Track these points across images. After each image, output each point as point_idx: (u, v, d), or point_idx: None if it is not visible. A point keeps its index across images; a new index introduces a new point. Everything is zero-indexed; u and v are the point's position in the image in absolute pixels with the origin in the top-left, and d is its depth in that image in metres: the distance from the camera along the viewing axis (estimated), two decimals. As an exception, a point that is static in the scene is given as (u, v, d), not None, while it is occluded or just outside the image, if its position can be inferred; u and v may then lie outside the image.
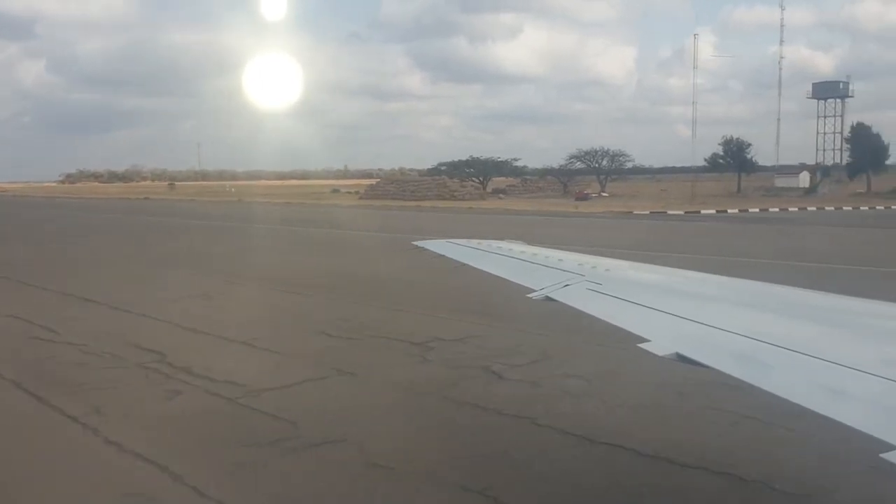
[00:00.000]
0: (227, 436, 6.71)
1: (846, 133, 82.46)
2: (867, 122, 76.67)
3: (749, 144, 79.88)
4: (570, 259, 5.23)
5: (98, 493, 5.58)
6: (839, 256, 20.54)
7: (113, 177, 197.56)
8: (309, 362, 9.22)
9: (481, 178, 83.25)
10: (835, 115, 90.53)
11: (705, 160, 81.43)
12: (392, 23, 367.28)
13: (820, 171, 78.72)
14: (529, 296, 4.57)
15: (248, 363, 9.28)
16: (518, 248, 6.04)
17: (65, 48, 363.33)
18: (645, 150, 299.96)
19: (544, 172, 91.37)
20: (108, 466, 6.02)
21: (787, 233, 31.67)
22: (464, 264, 6.05)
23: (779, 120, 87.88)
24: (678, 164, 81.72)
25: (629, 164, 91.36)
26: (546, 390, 8.00)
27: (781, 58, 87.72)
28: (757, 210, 47.06)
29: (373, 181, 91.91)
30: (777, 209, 47.86)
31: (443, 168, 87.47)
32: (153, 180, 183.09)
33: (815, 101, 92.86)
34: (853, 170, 77.37)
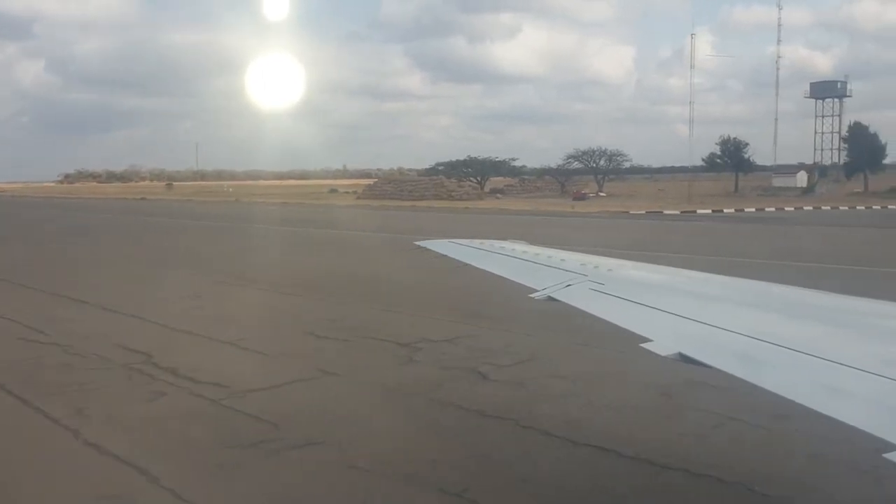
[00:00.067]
0: (208, 437, 6.67)
1: (844, 133, 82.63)
2: (865, 122, 76.96)
3: (746, 144, 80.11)
4: (573, 259, 5.22)
5: (72, 496, 5.54)
6: (831, 256, 20.53)
7: (111, 177, 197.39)
8: (295, 363, 9.18)
9: (479, 178, 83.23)
10: (832, 115, 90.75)
11: (703, 160, 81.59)
12: (391, 23, 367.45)
13: (817, 171, 78.80)
14: (532, 296, 4.56)
15: (234, 364, 9.24)
16: (520, 247, 6.03)
17: (63, 48, 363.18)
18: (645, 150, 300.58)
19: (542, 172, 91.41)
20: (85, 469, 5.97)
21: (781, 232, 31.72)
22: (466, 264, 6.03)
23: (776, 119, 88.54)
24: (677, 164, 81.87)
25: (626, 164, 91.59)
26: (531, 391, 7.98)
27: (779, 57, 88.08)
28: (753, 210, 47.09)
29: (371, 181, 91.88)
30: (773, 209, 47.89)
31: (440, 168, 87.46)
32: (152, 180, 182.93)
33: (813, 100, 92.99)
34: (850, 169, 77.53)
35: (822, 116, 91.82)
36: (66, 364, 9.25)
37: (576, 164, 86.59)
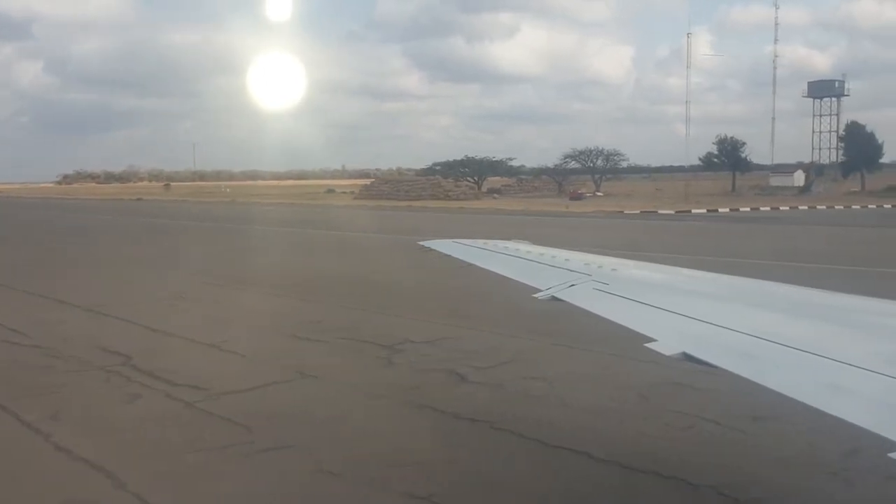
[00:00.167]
0: (180, 441, 6.63)
1: (841, 132, 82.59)
2: (864, 121, 76.97)
3: (743, 143, 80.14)
4: (577, 259, 5.20)
5: (36, 502, 5.51)
6: (818, 255, 20.49)
7: (110, 177, 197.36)
8: (274, 365, 9.15)
9: (476, 178, 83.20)
10: (830, 114, 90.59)
11: (700, 159, 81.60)
12: (390, 22, 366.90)
13: (813, 170, 78.76)
14: (535, 296, 4.54)
15: (212, 366, 9.20)
16: (524, 247, 6.01)
17: (62, 48, 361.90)
18: (644, 150, 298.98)
19: (540, 172, 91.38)
20: (53, 473, 5.94)
21: (772, 232, 31.76)
22: (469, 264, 6.01)
23: (773, 119, 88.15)
24: (676, 164, 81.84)
25: (624, 164, 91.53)
26: (508, 393, 7.95)
27: (776, 57, 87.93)
28: (748, 209, 47.07)
29: (369, 181, 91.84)
30: (768, 208, 47.87)
31: (437, 168, 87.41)
32: (150, 181, 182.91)
33: (811, 99, 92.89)
34: (847, 168, 77.54)
35: (820, 116, 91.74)
36: (45, 366, 9.21)
37: (573, 164, 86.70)
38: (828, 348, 2.83)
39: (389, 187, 77.59)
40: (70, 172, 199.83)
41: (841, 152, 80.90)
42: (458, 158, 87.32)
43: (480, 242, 6.59)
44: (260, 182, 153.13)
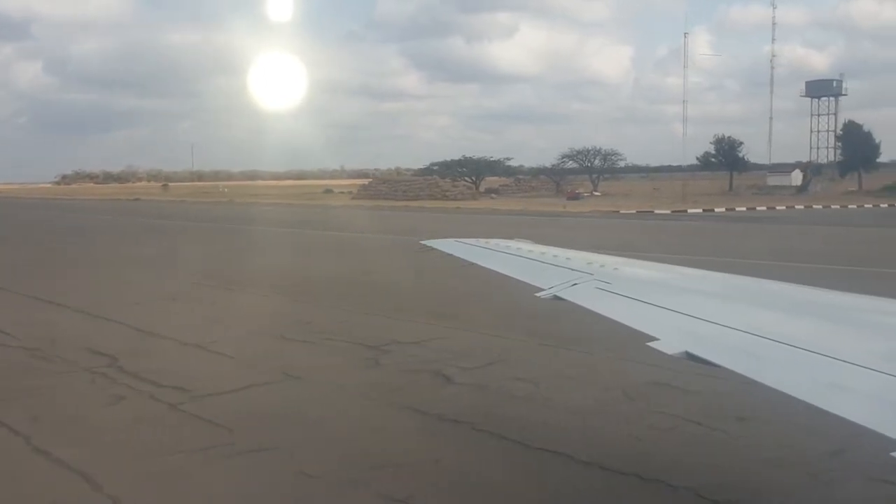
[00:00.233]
0: (160, 443, 6.59)
1: (839, 131, 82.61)
2: (863, 120, 77.06)
3: (741, 143, 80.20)
4: (579, 258, 5.18)
5: (11, 504, 5.49)
6: (807, 254, 20.47)
7: (108, 178, 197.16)
8: (260, 367, 9.12)
9: (474, 178, 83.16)
10: (828, 114, 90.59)
11: (697, 159, 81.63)
12: (388, 22, 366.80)
13: (811, 170, 78.79)
14: (538, 294, 4.53)
15: (198, 367, 9.18)
16: (526, 246, 5.99)
17: (61, 49, 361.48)
18: (643, 149, 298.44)
19: (537, 172, 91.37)
20: (29, 476, 5.91)
21: (766, 231, 31.80)
22: (472, 263, 5.99)
23: (771, 118, 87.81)
24: (675, 163, 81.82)
25: (621, 163, 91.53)
26: (492, 394, 7.92)
27: (773, 56, 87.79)
28: (744, 209, 47.05)
29: (367, 181, 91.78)
30: (765, 208, 47.85)
31: (435, 168, 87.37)
32: (149, 181, 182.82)
33: (809, 99, 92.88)
34: (845, 168, 77.57)
35: (818, 115, 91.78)
36: (31, 368, 9.18)
37: (570, 164, 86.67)
38: (831, 347, 2.83)
39: (387, 187, 77.57)
40: (69, 173, 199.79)
41: (838, 152, 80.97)
42: (456, 158, 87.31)
43: (482, 241, 6.57)
44: (259, 182, 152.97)
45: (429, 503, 5.33)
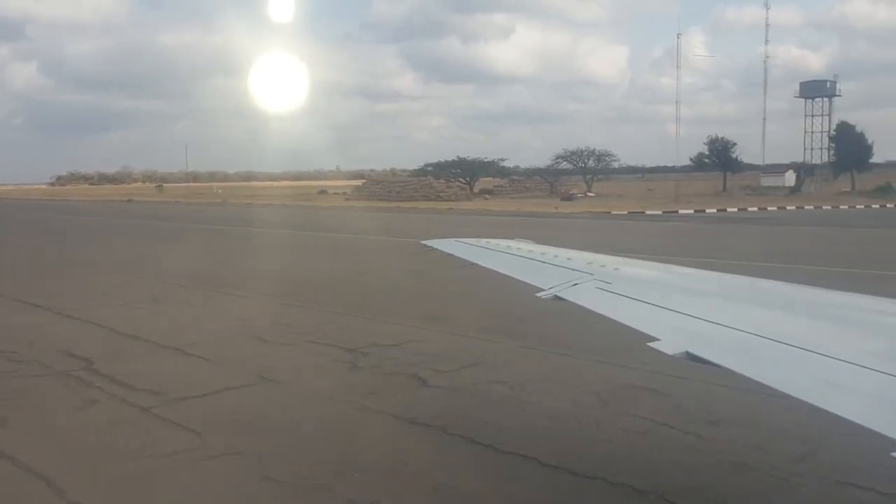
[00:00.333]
0: (129, 447, 6.53)
1: (832, 132, 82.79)
2: (858, 121, 77.44)
3: (734, 144, 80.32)
4: (579, 258, 5.17)
5: (-30, 511, 5.44)
6: (789, 255, 20.48)
7: (103, 179, 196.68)
8: (236, 369, 9.07)
9: (468, 179, 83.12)
10: (822, 114, 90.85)
11: (691, 160, 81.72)
12: (384, 23, 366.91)
13: (804, 171, 78.97)
14: (538, 294, 4.51)
15: (174, 370, 9.12)
16: (527, 246, 5.99)
17: (56, 50, 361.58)
18: (639, 150, 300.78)
19: (532, 173, 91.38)
20: (-8, 481, 5.86)
21: (754, 232, 31.87)
22: (472, 263, 5.97)
23: (764, 119, 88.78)
24: (671, 164, 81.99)
25: (615, 164, 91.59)
26: (467, 397, 7.88)
27: (767, 57, 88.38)
28: (735, 210, 47.09)
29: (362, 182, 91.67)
30: (756, 208, 47.91)
31: (429, 169, 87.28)
32: (144, 182, 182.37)
33: (803, 99, 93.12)
34: (838, 168, 77.76)
35: (812, 116, 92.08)
36: (4, 371, 9.11)
37: (564, 165, 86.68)
38: (831, 347, 2.83)
39: (381, 188, 77.48)
40: (63, 174, 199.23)
41: (832, 153, 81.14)
42: (450, 159, 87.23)
43: (483, 241, 6.56)
44: (255, 183, 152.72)
45: (392, 508, 5.29)
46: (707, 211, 46.10)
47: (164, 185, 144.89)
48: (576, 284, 4.42)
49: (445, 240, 7.00)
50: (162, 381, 8.48)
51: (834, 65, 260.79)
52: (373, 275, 18.20)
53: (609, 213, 45.70)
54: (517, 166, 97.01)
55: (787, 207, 48.87)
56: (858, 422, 2.30)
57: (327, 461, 6.11)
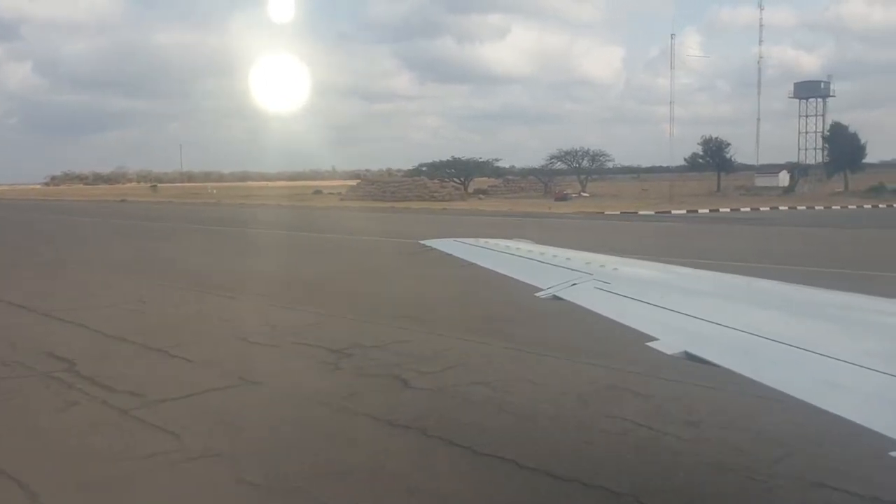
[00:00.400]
0: (106, 449, 6.50)
1: (825, 132, 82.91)
2: (854, 122, 77.58)
3: (728, 144, 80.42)
4: (578, 258, 5.17)
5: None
6: (775, 255, 20.53)
7: (98, 179, 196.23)
8: (218, 371, 9.04)
9: (462, 179, 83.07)
10: (816, 115, 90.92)
11: (685, 160, 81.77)
12: (380, 24, 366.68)
13: (797, 171, 79.10)
14: (537, 294, 4.51)
15: (157, 372, 9.08)
16: (525, 246, 5.98)
17: (51, 50, 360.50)
18: (635, 150, 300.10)
19: (527, 173, 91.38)
20: (-34, 485, 5.83)
21: (745, 232, 31.96)
22: (472, 263, 5.96)
23: (758, 119, 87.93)
24: (665, 164, 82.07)
25: (610, 164, 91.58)
26: (448, 399, 7.87)
27: (761, 58, 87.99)
28: (728, 210, 47.15)
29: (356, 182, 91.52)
30: (748, 209, 47.97)
31: (424, 169, 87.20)
32: (139, 182, 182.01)
33: (797, 100, 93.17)
34: (832, 169, 77.87)
35: (806, 116, 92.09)
36: (-14, 373, 9.07)
37: (559, 165, 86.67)
38: (830, 346, 2.83)
39: (375, 188, 77.36)
40: (58, 174, 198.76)
41: (825, 153, 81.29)
42: (445, 159, 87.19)
43: (482, 241, 6.56)
44: (250, 183, 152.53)
45: (366, 511, 5.27)
46: (700, 211, 46.13)
47: (159, 185, 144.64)
48: (574, 284, 4.43)
49: (444, 240, 7.00)
50: (144, 382, 8.45)
51: (829, 65, 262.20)
52: (362, 274, 18.16)
53: (602, 213, 45.71)
54: (513, 166, 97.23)
55: (780, 208, 48.93)
56: (857, 421, 2.31)
57: (305, 463, 6.09)
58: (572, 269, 4.75)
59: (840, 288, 3.84)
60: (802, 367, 2.75)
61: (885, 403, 2.43)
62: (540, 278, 4.74)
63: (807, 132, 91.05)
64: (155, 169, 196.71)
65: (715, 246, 25.27)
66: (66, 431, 7.02)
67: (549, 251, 5.56)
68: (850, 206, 50.22)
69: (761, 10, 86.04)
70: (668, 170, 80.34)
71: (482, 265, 5.73)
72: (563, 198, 66.09)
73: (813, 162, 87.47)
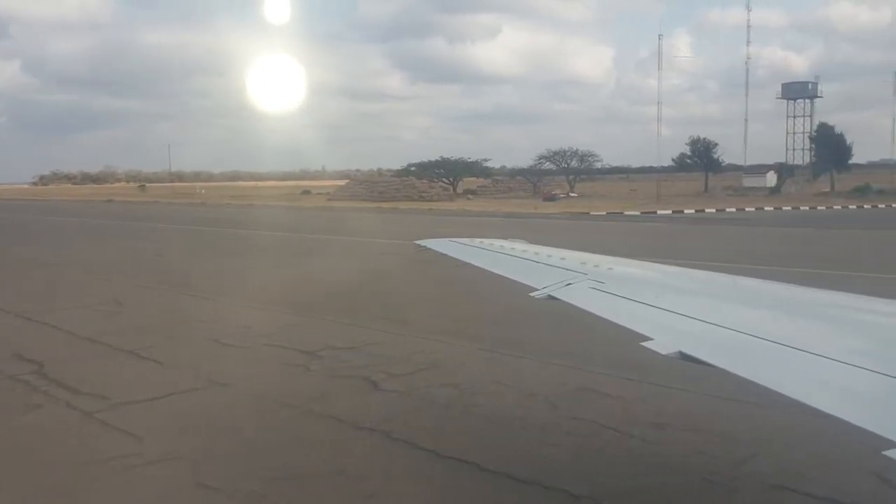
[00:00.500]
0: (65, 453, 6.42)
1: (812, 133, 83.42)
2: (842, 123, 78.04)
3: (716, 144, 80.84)
4: (573, 257, 5.16)
5: None
6: (756, 255, 20.60)
7: (86, 178, 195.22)
8: (187, 373, 8.95)
9: (451, 179, 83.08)
10: (804, 116, 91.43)
11: (673, 160, 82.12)
12: (371, 23, 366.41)
13: (784, 171, 79.53)
14: (532, 294, 4.47)
15: (125, 374, 9.00)
16: (520, 246, 5.97)
17: (39, 49, 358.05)
18: (625, 150, 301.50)
19: (515, 173, 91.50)
20: (-82, 490, 5.74)
21: (726, 232, 32.12)
22: (466, 263, 5.91)
23: (746, 120, 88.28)
24: (656, 164, 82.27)
25: (598, 164, 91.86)
26: (416, 401, 7.82)
27: (748, 59, 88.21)
28: (714, 210, 47.33)
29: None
30: (734, 209, 48.17)
31: (412, 169, 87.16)
32: (127, 182, 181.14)
33: (785, 101, 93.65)
34: (818, 169, 78.35)
35: (794, 117, 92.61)
36: (-49, 376, 8.95)
37: (548, 165, 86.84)
38: (824, 346, 2.83)
39: (364, 189, 77.24)
40: (46, 173, 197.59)
41: (812, 153, 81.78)
42: (434, 159, 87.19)
43: (477, 241, 6.55)
44: (239, 183, 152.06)
45: (323, 515, 5.22)
46: (685, 212, 46.27)
47: (148, 184, 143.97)
48: (569, 284, 4.41)
49: (439, 239, 6.98)
50: (111, 385, 8.37)
51: (817, 67, 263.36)
52: (345, 275, 18.08)
53: (588, 213, 45.76)
54: (503, 166, 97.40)
55: (766, 208, 49.16)
56: (851, 421, 2.30)
57: (266, 467, 6.02)
58: (567, 269, 4.75)
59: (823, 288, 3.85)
60: (797, 366, 2.75)
61: (879, 402, 2.45)
62: (535, 278, 4.73)
63: (794, 133, 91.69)
64: (144, 169, 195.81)
65: (697, 246, 25.40)
66: (25, 435, 6.94)
67: (544, 251, 5.56)
68: (835, 207, 50.52)
69: (749, 10, 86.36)
70: (657, 170, 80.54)
71: (477, 265, 5.70)
72: (551, 198, 66.21)
73: (801, 162, 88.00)
